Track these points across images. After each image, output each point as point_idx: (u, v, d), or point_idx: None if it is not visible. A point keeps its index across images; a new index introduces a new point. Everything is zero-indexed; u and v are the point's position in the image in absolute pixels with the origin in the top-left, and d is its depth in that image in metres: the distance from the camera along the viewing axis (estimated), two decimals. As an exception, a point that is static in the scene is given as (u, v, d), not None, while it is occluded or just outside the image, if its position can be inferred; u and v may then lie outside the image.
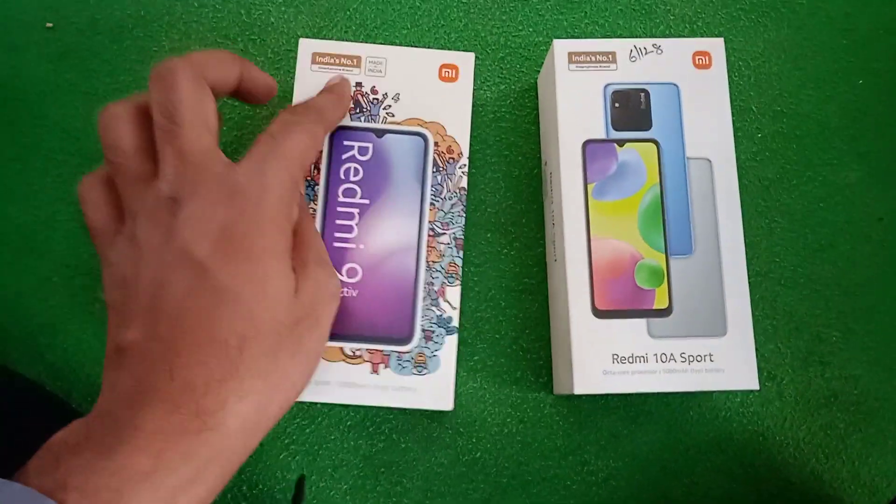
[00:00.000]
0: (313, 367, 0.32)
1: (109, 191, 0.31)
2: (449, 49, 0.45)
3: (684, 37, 0.46)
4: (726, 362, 0.36)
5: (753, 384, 0.36)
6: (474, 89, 0.45)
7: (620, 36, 0.46)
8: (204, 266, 0.28)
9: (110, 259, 0.30)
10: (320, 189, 0.37)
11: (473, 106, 0.41)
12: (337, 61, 0.39)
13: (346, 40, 0.44)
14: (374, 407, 0.41)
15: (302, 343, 0.30)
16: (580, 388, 0.36)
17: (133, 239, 0.29)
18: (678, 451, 0.41)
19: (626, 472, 0.41)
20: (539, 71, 0.45)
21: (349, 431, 0.41)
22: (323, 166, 0.38)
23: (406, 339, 0.36)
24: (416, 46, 0.43)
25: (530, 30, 0.46)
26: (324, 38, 0.45)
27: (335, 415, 0.41)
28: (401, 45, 0.45)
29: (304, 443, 0.41)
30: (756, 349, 0.37)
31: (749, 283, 0.38)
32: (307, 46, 0.39)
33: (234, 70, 0.33)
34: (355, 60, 0.39)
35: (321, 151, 0.38)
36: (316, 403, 0.41)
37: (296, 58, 0.44)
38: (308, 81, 0.38)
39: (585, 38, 0.46)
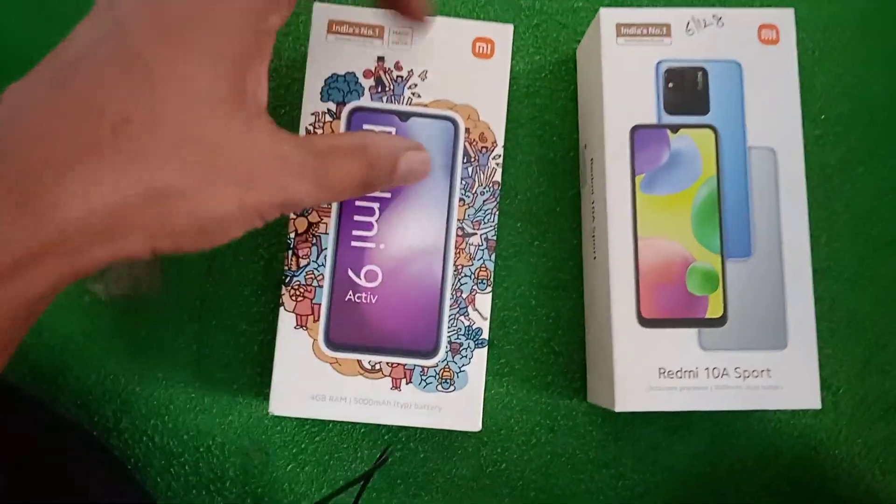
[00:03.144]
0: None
1: None
2: (479, 14, 0.41)
3: (744, 6, 0.41)
4: (785, 378, 0.34)
5: (815, 403, 0.34)
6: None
7: (673, 4, 0.41)
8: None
9: None
10: (335, 179, 0.33)
11: (506, 82, 0.37)
12: (356, 31, 0.34)
13: (364, 5, 0.40)
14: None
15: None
16: (622, 406, 0.33)
17: None
18: (722, 465, 0.39)
19: (664, 487, 0.39)
20: (579, 41, 0.41)
21: (362, 440, 0.38)
22: (338, 153, 0.33)
23: (431, 352, 0.33)
24: (443, 14, 0.39)
25: (569, -7, 0.41)
26: (340, 2, 0.40)
27: (347, 422, 0.38)
28: (425, 10, 0.41)
29: (313, 453, 0.38)
30: (813, 357, 0.34)
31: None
32: (323, 13, 0.34)
33: None
34: (377, 31, 0.34)
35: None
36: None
37: (308, 23, 0.40)
38: (323, 53, 0.34)
39: (632, 6, 0.41)
